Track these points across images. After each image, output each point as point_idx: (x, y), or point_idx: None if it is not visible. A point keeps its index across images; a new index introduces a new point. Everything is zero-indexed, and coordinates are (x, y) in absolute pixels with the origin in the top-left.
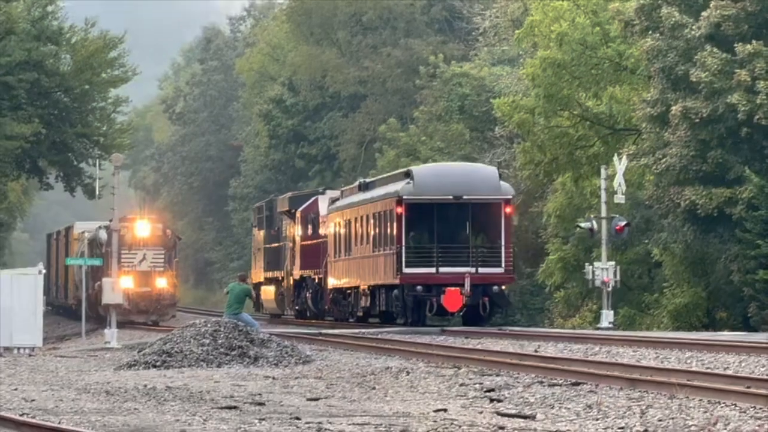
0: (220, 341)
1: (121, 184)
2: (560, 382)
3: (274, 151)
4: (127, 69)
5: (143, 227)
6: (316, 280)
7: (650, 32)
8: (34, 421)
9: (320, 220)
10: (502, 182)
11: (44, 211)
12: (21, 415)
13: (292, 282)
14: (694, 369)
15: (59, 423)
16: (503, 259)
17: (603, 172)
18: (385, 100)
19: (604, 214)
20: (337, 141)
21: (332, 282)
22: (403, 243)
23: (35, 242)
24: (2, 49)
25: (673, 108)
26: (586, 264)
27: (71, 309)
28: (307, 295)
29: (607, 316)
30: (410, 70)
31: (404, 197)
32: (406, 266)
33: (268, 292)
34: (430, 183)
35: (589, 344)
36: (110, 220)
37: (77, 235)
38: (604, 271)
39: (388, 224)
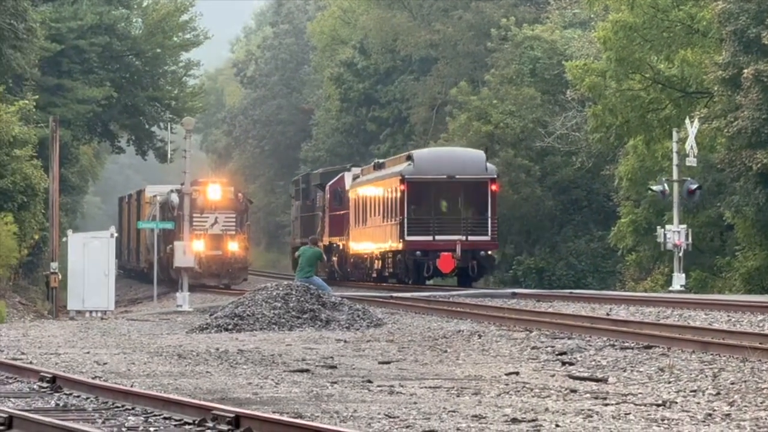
0: (291, 304)
1: (192, 148)
2: (632, 345)
3: (345, 114)
4: (198, 32)
5: (215, 191)
6: (341, 246)
7: None
8: (106, 384)
9: (345, 194)
10: (488, 164)
11: (116, 175)
12: (93, 378)
13: (322, 247)
14: (766, 332)
15: (131, 386)
16: (489, 229)
17: (675, 135)
18: (456, 63)
19: (675, 177)
20: (408, 104)
21: (353, 247)
22: (406, 215)
23: (107, 206)
24: (74, 13)
25: (745, 71)
26: (658, 227)
27: (143, 272)
28: (334, 258)
29: (679, 279)
30: (481, 33)
31: (406, 176)
32: (408, 234)
33: None
34: (427, 165)
35: (661, 307)
36: (182, 184)
37: (149, 198)
38: (675, 233)
39: (394, 199)
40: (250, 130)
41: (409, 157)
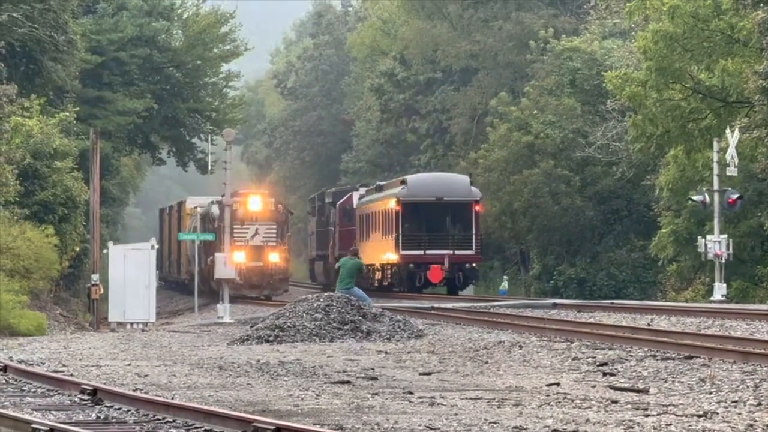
0: (332, 316)
1: (233, 159)
2: (673, 355)
3: (385, 125)
4: (239, 44)
5: (255, 202)
6: None
7: (762, 4)
8: (147, 396)
9: (353, 211)
10: (472, 187)
11: (156, 186)
12: (134, 391)
13: (333, 259)
14: None
15: (172, 398)
16: (474, 244)
17: (715, 144)
18: (497, 73)
19: (716, 186)
20: (448, 115)
21: None
22: (401, 231)
23: (147, 217)
24: (114, 26)
25: None
26: (699, 237)
27: (184, 284)
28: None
29: (720, 289)
30: (521, 43)
31: (401, 198)
32: (403, 249)
33: (319, 266)
34: (419, 188)
35: (702, 317)
36: (222, 195)
37: (189, 210)
38: (716, 244)
39: (391, 217)
40: (291, 141)
41: (404, 182)
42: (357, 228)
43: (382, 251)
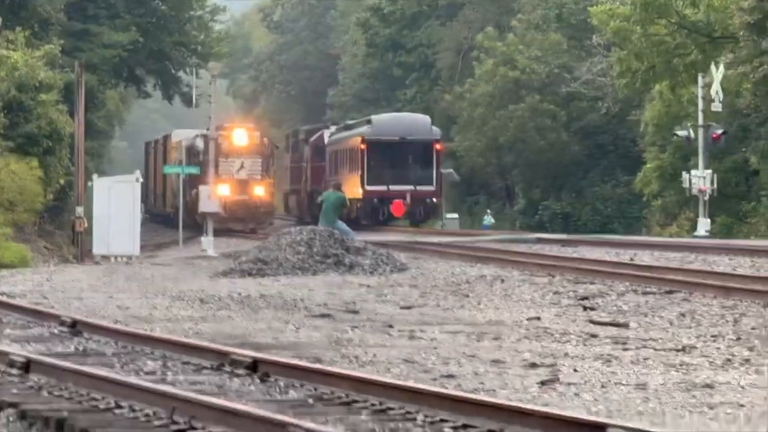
0: (315, 249)
1: (219, 93)
2: (654, 290)
3: (371, 59)
4: None
5: (241, 135)
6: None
7: None
8: (126, 328)
9: (324, 149)
10: (433, 127)
11: (143, 120)
12: (114, 323)
13: (305, 194)
14: None
15: (152, 330)
16: (434, 181)
17: (700, 80)
18: (483, 8)
19: (701, 122)
20: (434, 49)
21: None
22: (366, 168)
23: (134, 151)
24: None
25: None
26: (683, 172)
27: (169, 217)
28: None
29: (704, 225)
30: None
31: (366, 137)
32: (368, 185)
33: (293, 199)
34: (383, 127)
35: (685, 253)
36: (207, 129)
37: (175, 143)
38: (701, 179)
39: (357, 155)
40: (277, 75)
41: (369, 121)
42: (327, 164)
43: (348, 187)
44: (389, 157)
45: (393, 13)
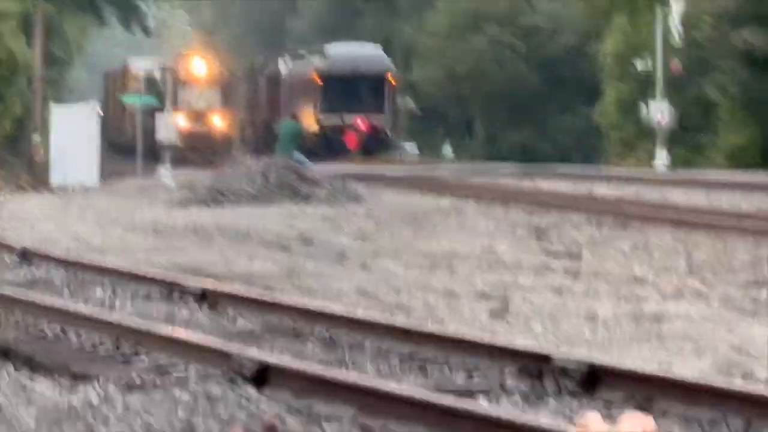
0: (271, 180)
1: (179, 23)
2: (609, 222)
3: None
4: None
5: (199, 65)
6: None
7: None
8: (76, 258)
9: (279, 80)
10: (386, 58)
11: (104, 50)
12: (65, 252)
13: (261, 125)
14: (742, 210)
15: (103, 260)
16: (386, 112)
17: (659, 12)
18: None
19: (660, 54)
20: None
21: None
22: (319, 100)
23: (94, 81)
24: None
25: None
26: (641, 103)
27: (127, 147)
28: (270, 135)
29: (662, 157)
30: None
31: (320, 68)
32: (321, 116)
33: (249, 131)
34: (337, 59)
35: (641, 185)
36: (166, 58)
37: (133, 72)
38: (658, 111)
39: (311, 87)
40: (235, 2)
41: (323, 53)
42: (281, 96)
43: (303, 119)
44: (342, 89)
45: None
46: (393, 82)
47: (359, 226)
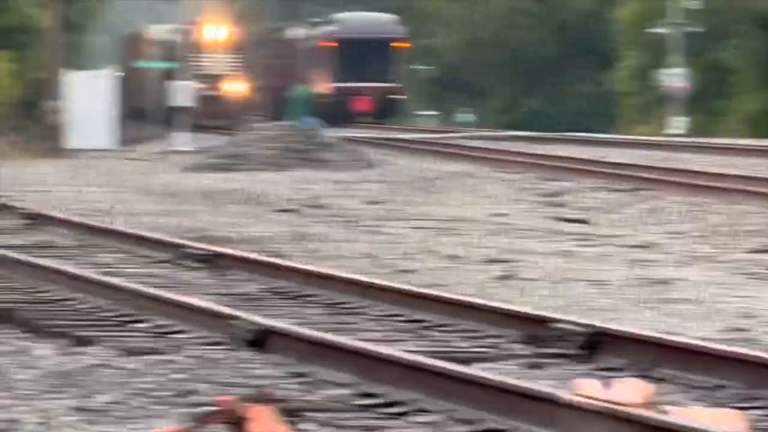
0: (284, 145)
1: None
2: (623, 188)
3: None
4: None
5: (216, 31)
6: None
7: None
8: (85, 221)
9: (293, 46)
10: (399, 26)
11: (124, 15)
12: (77, 216)
13: (275, 90)
14: (757, 175)
15: (112, 224)
16: (397, 78)
17: None
18: None
19: (677, 20)
20: None
21: None
22: (332, 66)
23: (113, 46)
24: None
25: None
26: (658, 70)
27: (144, 112)
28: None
29: (678, 123)
30: None
31: (333, 35)
32: (334, 82)
33: (262, 96)
34: (350, 26)
35: (657, 150)
36: (183, 23)
37: (151, 38)
38: (675, 77)
39: (325, 53)
40: None
41: (336, 20)
42: (295, 62)
43: (317, 84)
44: (355, 55)
45: None
46: (403, 47)
47: (371, 191)
